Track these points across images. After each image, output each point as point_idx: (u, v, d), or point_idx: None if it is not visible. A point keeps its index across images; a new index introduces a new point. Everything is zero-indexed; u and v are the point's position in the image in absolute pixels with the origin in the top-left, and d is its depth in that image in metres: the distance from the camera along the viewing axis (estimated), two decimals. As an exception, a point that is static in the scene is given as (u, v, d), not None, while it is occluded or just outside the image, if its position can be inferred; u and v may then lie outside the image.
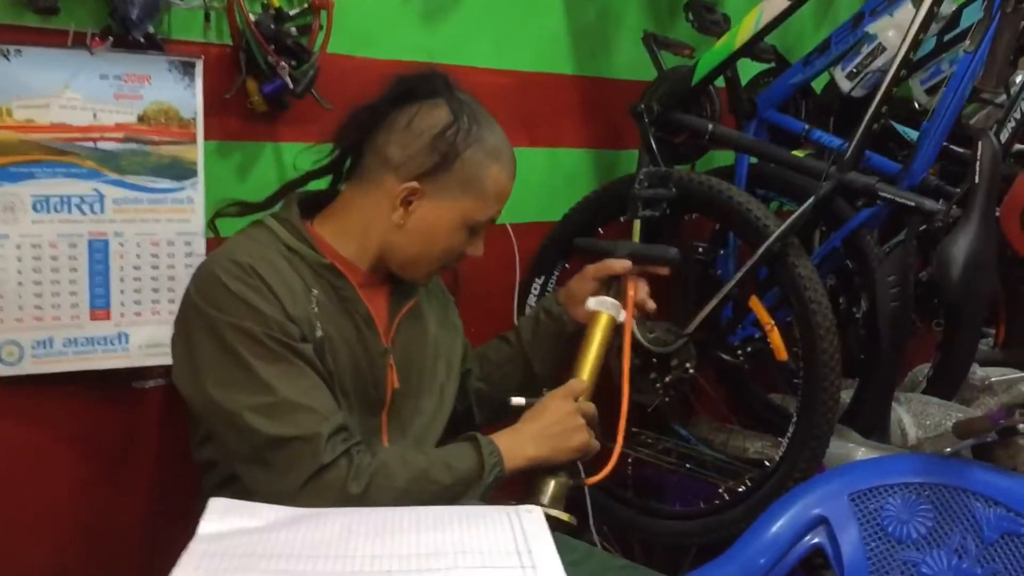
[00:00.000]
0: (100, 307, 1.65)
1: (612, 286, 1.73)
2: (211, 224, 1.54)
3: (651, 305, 1.73)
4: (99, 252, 1.64)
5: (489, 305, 2.25)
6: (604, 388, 1.68)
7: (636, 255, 1.75)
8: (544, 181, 2.37)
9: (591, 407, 1.50)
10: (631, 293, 1.70)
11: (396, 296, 1.45)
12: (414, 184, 1.36)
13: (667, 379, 2.04)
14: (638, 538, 2.24)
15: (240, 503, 1.07)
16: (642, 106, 2.08)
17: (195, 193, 1.70)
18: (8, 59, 1.52)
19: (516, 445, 1.40)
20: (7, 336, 1.58)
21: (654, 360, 2.08)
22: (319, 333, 1.30)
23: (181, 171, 1.68)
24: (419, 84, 1.40)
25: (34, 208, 1.58)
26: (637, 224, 2.07)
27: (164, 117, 1.66)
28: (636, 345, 2.10)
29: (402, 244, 1.38)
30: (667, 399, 2.06)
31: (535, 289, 2.30)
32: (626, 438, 2.32)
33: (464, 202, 1.36)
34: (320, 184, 1.58)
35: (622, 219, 2.05)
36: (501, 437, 1.40)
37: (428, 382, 1.50)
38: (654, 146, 2.04)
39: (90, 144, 1.61)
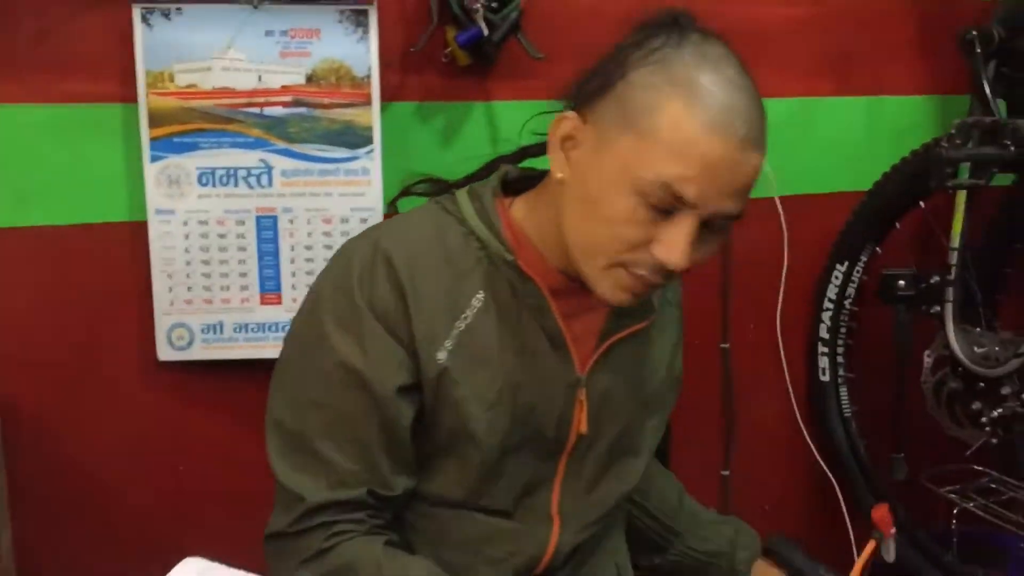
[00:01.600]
0: (271, 290, 1.50)
1: None
2: (392, 203, 1.17)
3: None
4: (267, 230, 1.49)
5: (750, 307, 1.81)
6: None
7: None
8: (858, 140, 1.85)
9: None
10: None
11: (618, 312, 1.05)
12: (570, 114, 0.94)
13: (996, 412, 1.47)
14: (959, 616, 1.68)
15: (217, 568, 0.82)
16: (974, 32, 1.50)
17: (371, 163, 1.48)
18: (169, 18, 1.40)
19: None
20: (177, 319, 1.48)
21: (981, 384, 1.51)
22: (440, 359, 0.97)
23: (355, 138, 1.47)
24: (655, 31, 0.95)
25: (199, 181, 1.46)
26: (960, 198, 1.52)
27: (335, 76, 1.45)
28: (955, 363, 1.55)
29: (566, 213, 0.95)
30: (995, 439, 1.49)
31: (836, 279, 1.81)
32: (955, 479, 1.80)
33: (623, 143, 0.89)
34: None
35: (932, 186, 1.50)
36: None
37: (632, 439, 1.11)
38: (987, 88, 1.46)
39: (255, 110, 1.45)
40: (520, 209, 1.03)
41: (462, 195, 1.04)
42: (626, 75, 0.90)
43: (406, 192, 1.14)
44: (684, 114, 0.86)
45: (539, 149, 1.07)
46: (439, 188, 1.11)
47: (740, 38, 1.69)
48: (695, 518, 1.28)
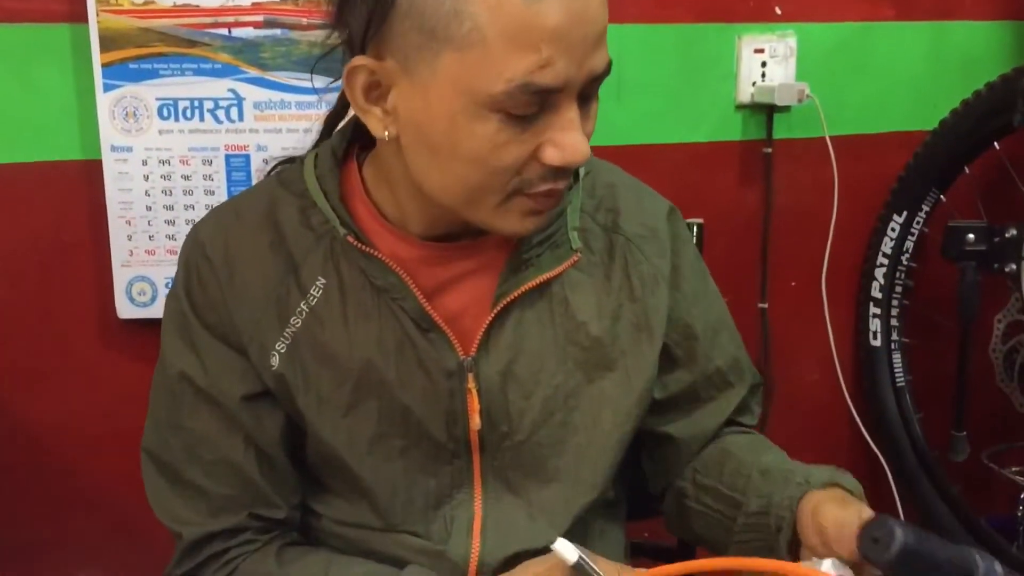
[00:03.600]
0: (244, 240, 1.32)
1: None
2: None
3: None
4: (239, 170, 1.30)
5: (792, 262, 1.60)
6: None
7: None
8: (922, 72, 1.63)
9: None
10: None
11: (513, 268, 0.84)
12: (359, 60, 0.74)
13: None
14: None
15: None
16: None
17: (357, 93, 1.28)
18: (120, -76, 1.21)
19: None
20: (137, 272, 1.31)
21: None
22: (274, 365, 0.81)
23: (339, 65, 1.27)
24: None
25: (160, 114, 1.28)
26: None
27: (315, -9, 1.26)
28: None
29: (420, 171, 0.77)
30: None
31: (892, 231, 1.59)
32: (1022, 459, 1.60)
33: (445, 65, 0.70)
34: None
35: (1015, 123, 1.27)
36: None
37: (570, 416, 0.87)
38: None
39: (223, 32, 1.26)
40: (370, 172, 0.84)
41: (308, 160, 0.86)
42: None
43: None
44: None
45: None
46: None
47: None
48: (767, 475, 0.86)
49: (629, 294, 0.88)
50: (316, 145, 0.89)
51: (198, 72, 1.27)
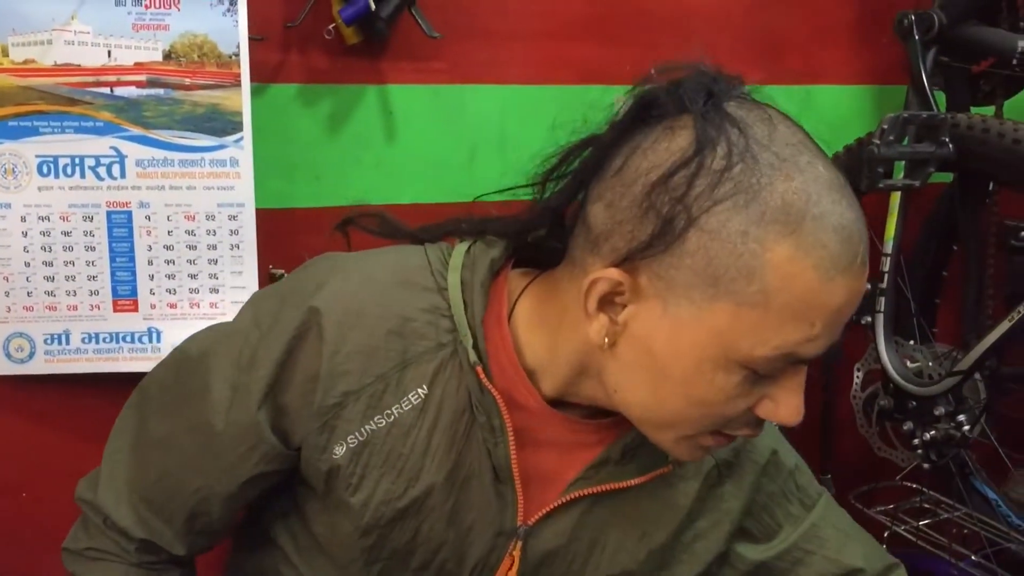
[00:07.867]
0: (125, 296, 1.32)
1: None
2: (341, 227, 0.93)
3: None
4: (121, 227, 1.31)
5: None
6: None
7: None
8: (789, 132, 1.71)
9: None
10: None
11: (605, 459, 0.82)
12: (612, 273, 0.71)
13: (929, 435, 1.35)
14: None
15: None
16: (912, 17, 1.37)
17: (240, 153, 1.31)
18: (0, -16, 1.22)
19: None
20: (15, 328, 1.30)
21: (913, 403, 1.39)
22: (337, 454, 0.77)
23: (222, 124, 1.30)
24: (665, 94, 0.76)
25: (40, 171, 1.28)
26: (895, 199, 1.39)
27: (197, 53, 1.28)
28: (887, 380, 1.43)
29: (617, 378, 0.74)
30: (927, 464, 1.37)
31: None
32: (886, 498, 1.68)
33: (717, 313, 0.68)
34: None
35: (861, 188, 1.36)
36: None
37: None
38: (925, 80, 1.33)
39: (105, 91, 1.27)
40: (527, 303, 0.79)
41: (457, 255, 0.81)
42: (696, 220, 0.68)
43: (352, 222, 0.92)
44: (797, 263, 0.66)
45: (522, 225, 0.82)
46: (389, 230, 0.89)
47: (661, 22, 1.52)
48: None
49: (696, 515, 0.88)
50: (419, 232, 0.85)
51: (79, 130, 1.27)
